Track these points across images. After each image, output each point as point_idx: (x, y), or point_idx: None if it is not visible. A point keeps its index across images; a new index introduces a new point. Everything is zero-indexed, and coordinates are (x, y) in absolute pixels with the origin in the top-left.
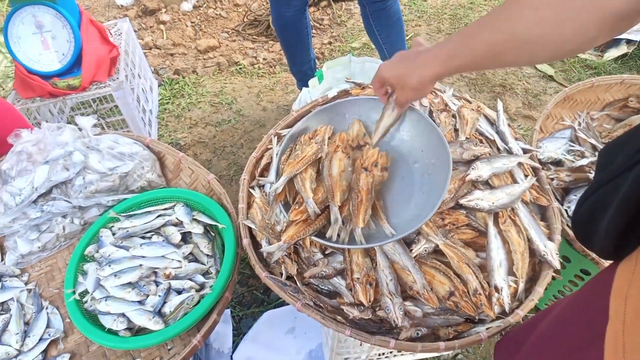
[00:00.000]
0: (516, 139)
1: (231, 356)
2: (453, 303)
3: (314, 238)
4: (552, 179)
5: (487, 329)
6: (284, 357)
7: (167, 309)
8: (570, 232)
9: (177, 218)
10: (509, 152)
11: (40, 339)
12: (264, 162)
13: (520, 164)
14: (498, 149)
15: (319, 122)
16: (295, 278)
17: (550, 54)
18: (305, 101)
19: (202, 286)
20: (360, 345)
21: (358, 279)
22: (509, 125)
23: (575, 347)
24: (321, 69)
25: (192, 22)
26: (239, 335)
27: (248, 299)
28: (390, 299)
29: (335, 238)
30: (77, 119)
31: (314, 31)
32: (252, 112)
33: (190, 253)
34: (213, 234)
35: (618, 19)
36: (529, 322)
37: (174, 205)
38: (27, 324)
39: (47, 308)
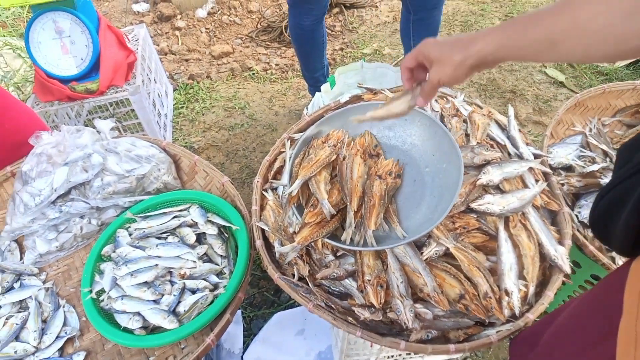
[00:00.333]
0: (527, 144)
1: (242, 356)
2: (463, 306)
3: (326, 240)
4: (563, 184)
5: (497, 332)
6: (294, 358)
7: (181, 308)
8: (581, 237)
9: (192, 219)
10: (520, 157)
11: (57, 337)
12: (276, 165)
13: (531, 169)
14: (509, 153)
15: (332, 127)
16: (307, 279)
17: (609, 50)
18: (318, 106)
19: (215, 286)
20: (371, 346)
21: (369, 280)
22: (519, 130)
23: (590, 343)
24: (333, 75)
25: (206, 29)
26: (249, 336)
27: (259, 300)
28: (401, 301)
29: (349, 241)
30: (95, 122)
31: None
32: (265, 117)
33: (205, 254)
34: (227, 235)
35: None
36: (544, 320)
37: (189, 207)
38: (44, 321)
39: (64, 306)
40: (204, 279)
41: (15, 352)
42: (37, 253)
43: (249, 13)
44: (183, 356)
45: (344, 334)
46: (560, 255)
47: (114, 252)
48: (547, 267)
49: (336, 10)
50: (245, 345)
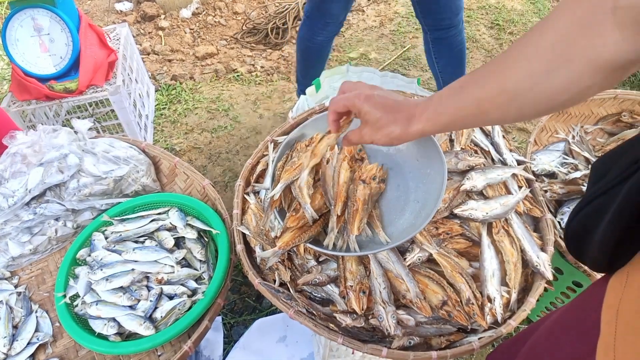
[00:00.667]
0: (511, 150)
1: None
2: (446, 312)
3: (309, 245)
4: (546, 191)
5: (479, 338)
6: None
7: (158, 314)
8: (563, 244)
9: (170, 223)
10: (504, 163)
11: (29, 343)
12: (259, 168)
13: (514, 175)
14: (493, 160)
15: (316, 130)
16: (289, 285)
17: (542, 108)
18: (303, 109)
19: (194, 292)
20: (352, 354)
21: (351, 286)
22: (503, 136)
23: None
24: (319, 78)
25: (190, 29)
26: (229, 343)
27: (240, 307)
28: (384, 307)
29: (331, 246)
30: (73, 122)
31: None
32: (249, 119)
33: (184, 258)
34: (207, 240)
35: (612, 68)
36: (520, 335)
37: (168, 210)
38: (15, 327)
39: (36, 312)
40: (182, 285)
41: None
42: (9, 256)
43: (234, 14)
44: None
45: (326, 341)
46: (543, 261)
47: (89, 255)
48: (530, 273)
49: None
50: (226, 352)
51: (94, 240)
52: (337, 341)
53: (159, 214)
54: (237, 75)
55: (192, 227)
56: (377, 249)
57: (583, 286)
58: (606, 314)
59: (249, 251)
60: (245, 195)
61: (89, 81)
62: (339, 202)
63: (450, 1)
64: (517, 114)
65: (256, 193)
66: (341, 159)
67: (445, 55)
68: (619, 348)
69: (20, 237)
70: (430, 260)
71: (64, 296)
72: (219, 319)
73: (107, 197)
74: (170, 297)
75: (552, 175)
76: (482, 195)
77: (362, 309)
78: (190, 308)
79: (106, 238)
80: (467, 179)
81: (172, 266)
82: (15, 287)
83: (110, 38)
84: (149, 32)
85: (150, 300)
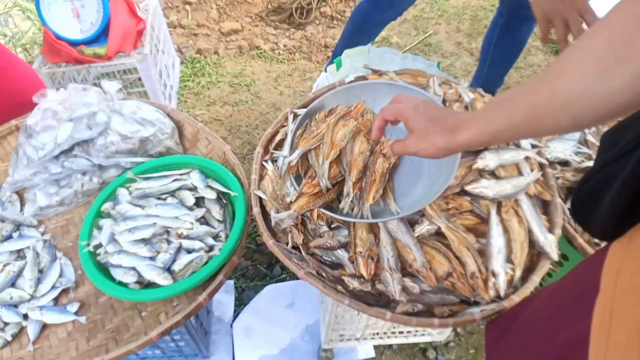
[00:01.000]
0: None
1: (231, 324)
2: (450, 283)
3: (322, 210)
4: (558, 178)
5: (481, 310)
6: (282, 330)
7: (176, 267)
8: (571, 230)
9: (191, 183)
10: (518, 146)
11: (53, 287)
12: (278, 138)
13: (527, 158)
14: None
15: (335, 102)
16: (301, 247)
17: (597, 112)
18: (323, 85)
19: (211, 248)
20: (358, 315)
21: (361, 252)
22: None
23: (565, 323)
24: (340, 57)
25: (217, 5)
26: (240, 305)
27: (251, 272)
28: (390, 274)
29: (346, 211)
30: (102, 83)
31: (334, 22)
32: (269, 96)
33: (203, 217)
34: (225, 202)
35: None
36: (520, 303)
37: (190, 172)
38: (41, 271)
39: (60, 259)
40: (200, 240)
41: (11, 297)
42: (37, 206)
43: None
44: (175, 313)
45: (332, 309)
46: (549, 242)
47: (114, 209)
48: (536, 254)
49: None
50: (236, 314)
51: (119, 195)
52: (344, 302)
53: (181, 174)
54: (260, 53)
55: (211, 188)
56: (388, 218)
57: None
58: (607, 274)
59: (265, 214)
60: (263, 162)
61: (118, 48)
62: (354, 170)
63: None
64: (572, 120)
65: (274, 161)
66: (356, 133)
67: (506, 45)
68: (617, 303)
69: (48, 189)
70: (439, 234)
71: (88, 244)
72: (231, 282)
73: (132, 156)
74: (189, 252)
75: (565, 164)
76: (493, 175)
77: (370, 274)
78: (206, 263)
79: (130, 194)
80: (481, 158)
81: (192, 223)
82: (42, 235)
83: (139, 8)
84: (177, 6)
85: (170, 253)
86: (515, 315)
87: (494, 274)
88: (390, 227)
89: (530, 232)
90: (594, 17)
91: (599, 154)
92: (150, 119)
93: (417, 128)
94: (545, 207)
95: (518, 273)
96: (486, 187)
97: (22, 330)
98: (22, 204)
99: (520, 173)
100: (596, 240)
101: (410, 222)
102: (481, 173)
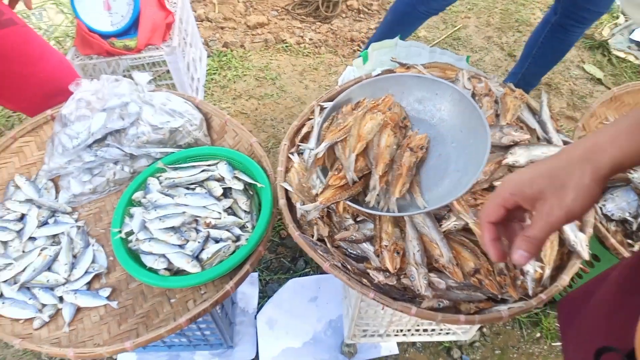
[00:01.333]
0: (557, 131)
1: (255, 316)
2: (477, 280)
3: (348, 203)
4: None
5: (508, 308)
6: (305, 323)
7: (204, 255)
8: (603, 230)
9: (219, 174)
10: (549, 142)
11: (86, 272)
12: (304, 130)
13: None
14: (538, 138)
15: (362, 95)
16: (326, 240)
17: None
18: (349, 79)
19: (238, 238)
20: (382, 314)
21: (386, 246)
22: (551, 117)
23: (634, 313)
24: (366, 50)
25: None
26: (264, 297)
27: (275, 266)
28: (416, 269)
29: (372, 204)
30: (133, 74)
31: (361, 16)
32: (295, 89)
33: (230, 207)
34: (251, 193)
35: None
36: (595, 279)
37: (218, 163)
38: (75, 257)
39: (93, 245)
40: (227, 230)
41: (48, 280)
42: (71, 193)
43: None
44: (202, 300)
45: (356, 303)
46: (580, 241)
47: (144, 197)
48: (566, 253)
49: None
50: (259, 305)
51: (149, 184)
52: (369, 296)
53: (209, 165)
54: (286, 46)
55: (239, 179)
56: (415, 212)
57: None
58: None
59: (290, 207)
60: (289, 155)
61: (147, 40)
62: (381, 163)
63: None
64: None
65: (300, 154)
66: (383, 126)
67: (554, 44)
68: None
69: (81, 177)
70: (465, 230)
71: (120, 231)
72: (255, 274)
73: (162, 146)
74: (216, 241)
75: None
76: None
77: (395, 268)
78: (233, 252)
79: (160, 183)
80: (510, 153)
81: (219, 212)
82: (76, 221)
83: (168, 1)
84: (203, 0)
85: (198, 242)
86: (590, 291)
87: (522, 272)
88: (417, 222)
89: (560, 230)
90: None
91: None
92: (180, 110)
93: (543, 187)
94: None
95: (547, 271)
96: None
97: (58, 312)
98: (57, 192)
99: None
100: (629, 241)
101: (437, 217)
102: (511, 169)
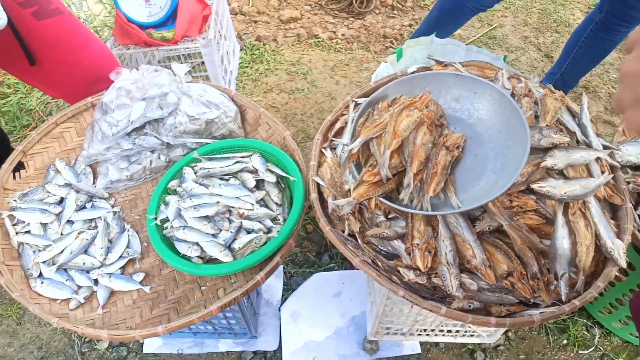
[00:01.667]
0: (597, 135)
1: (279, 308)
2: (509, 283)
3: (381, 200)
4: (629, 182)
5: (540, 313)
6: (328, 318)
7: (236, 245)
8: None
9: (253, 166)
10: (589, 146)
11: (120, 257)
12: (337, 126)
13: (598, 159)
14: (577, 141)
15: (399, 92)
16: (357, 235)
17: None
18: (383, 75)
19: (269, 230)
20: (407, 313)
21: (418, 244)
22: (591, 120)
23: None
24: (401, 47)
25: None
26: (288, 290)
27: (300, 259)
28: (447, 269)
29: (405, 202)
30: (172, 65)
31: (394, 12)
32: (325, 85)
33: (262, 199)
34: (284, 186)
35: None
36: None
37: (251, 155)
38: (110, 241)
39: (128, 230)
40: (259, 222)
41: (84, 263)
42: (108, 179)
43: None
44: (232, 290)
45: (382, 301)
46: (617, 248)
47: (180, 186)
48: (601, 259)
49: None
50: (283, 298)
51: (185, 173)
52: (398, 293)
53: (243, 157)
54: (318, 41)
55: (271, 172)
56: (449, 211)
57: None
58: None
59: (322, 201)
60: (322, 149)
61: (184, 32)
62: (416, 161)
63: None
64: None
65: (332, 149)
66: (419, 123)
67: (596, 44)
68: None
69: (119, 164)
70: (500, 232)
71: (155, 218)
72: (280, 267)
73: (197, 137)
74: (248, 232)
75: (637, 168)
76: (562, 174)
77: (426, 267)
78: (265, 244)
79: (195, 173)
80: (550, 156)
81: (252, 204)
82: (112, 207)
83: None
84: None
85: (231, 232)
86: None
87: (556, 277)
88: (450, 221)
89: (597, 237)
90: None
91: None
92: (216, 102)
93: None
94: (614, 212)
95: (582, 277)
96: (554, 187)
97: (92, 294)
98: (95, 177)
99: (590, 174)
100: None
101: (471, 218)
102: (549, 172)
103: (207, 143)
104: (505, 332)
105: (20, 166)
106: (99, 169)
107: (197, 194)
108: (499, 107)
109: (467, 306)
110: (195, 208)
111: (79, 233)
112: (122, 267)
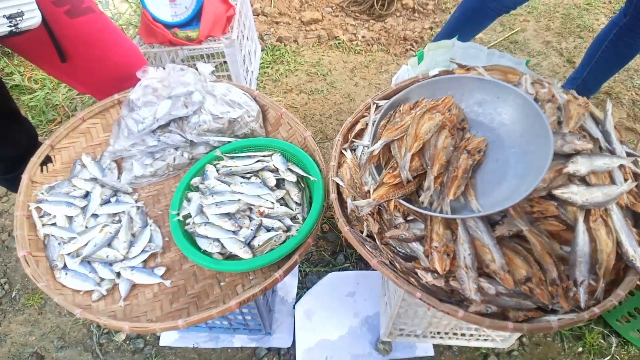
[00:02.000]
0: (621, 142)
1: (294, 305)
2: (528, 288)
3: (401, 202)
4: None
5: (558, 319)
6: (341, 317)
7: (256, 243)
8: None
9: (273, 165)
10: (612, 153)
11: (143, 251)
12: (357, 127)
13: (621, 167)
14: (600, 148)
15: (420, 95)
16: (375, 236)
17: None
18: (404, 78)
19: (288, 229)
20: (421, 315)
21: (436, 247)
22: (615, 127)
23: None
24: (422, 50)
25: None
26: (303, 288)
27: (316, 258)
28: (466, 272)
29: (425, 204)
30: (198, 65)
31: (415, 15)
32: (345, 86)
33: (282, 198)
34: (303, 186)
35: None
36: None
37: (272, 154)
38: (133, 235)
39: (151, 225)
40: (279, 220)
41: (107, 256)
42: (133, 175)
43: None
44: (250, 286)
45: (397, 302)
46: (639, 257)
47: (202, 183)
48: (622, 267)
49: None
50: (298, 296)
51: (207, 171)
52: (416, 295)
53: (264, 156)
54: (338, 43)
55: (292, 171)
56: (469, 215)
57: None
58: None
59: (341, 201)
60: (342, 150)
61: (209, 32)
62: (437, 164)
63: None
64: None
65: (352, 150)
66: (440, 127)
67: (619, 49)
68: None
69: (143, 160)
70: (519, 237)
71: (178, 214)
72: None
73: (220, 135)
74: (268, 230)
75: None
76: (584, 181)
77: (444, 270)
78: (284, 242)
79: (217, 171)
80: (572, 162)
81: (273, 202)
82: (136, 201)
83: None
84: None
85: (251, 229)
86: None
87: (575, 284)
88: (469, 225)
89: (618, 244)
90: None
91: None
92: (239, 101)
93: None
94: (636, 220)
95: (602, 285)
96: (575, 193)
97: (114, 287)
98: (120, 172)
99: (612, 181)
100: None
101: (491, 222)
102: (571, 178)
103: (230, 142)
104: (520, 338)
105: (47, 160)
106: (123, 165)
107: (219, 191)
108: (521, 112)
109: (485, 310)
110: (217, 205)
111: (103, 226)
112: (144, 261)
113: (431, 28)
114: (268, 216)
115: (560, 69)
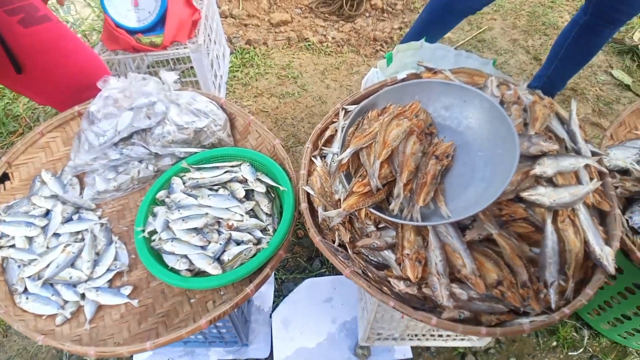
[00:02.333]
0: (586, 141)
1: (270, 315)
2: (499, 292)
3: (372, 210)
4: (617, 187)
5: (530, 321)
6: (319, 324)
7: (225, 257)
8: (629, 243)
9: (242, 175)
10: (578, 153)
11: (108, 269)
12: (327, 134)
13: (587, 166)
14: (566, 148)
15: (388, 100)
16: (347, 246)
17: None
18: (373, 81)
19: (259, 241)
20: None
21: (408, 255)
22: (580, 126)
23: None
24: (391, 52)
25: None
26: (279, 296)
27: (291, 265)
28: (438, 279)
29: (396, 212)
30: (161, 73)
31: (384, 15)
32: (316, 89)
33: (252, 209)
34: (273, 196)
35: None
36: None
37: (241, 164)
38: (97, 254)
39: (115, 242)
40: (249, 233)
41: (70, 277)
42: (95, 190)
43: None
44: (222, 302)
45: (373, 308)
46: (606, 255)
47: (168, 197)
48: (590, 266)
49: None
50: (275, 304)
51: (173, 184)
52: (389, 304)
53: (232, 166)
54: (308, 45)
55: (261, 181)
56: (439, 222)
57: None
58: None
59: (312, 210)
60: (312, 158)
61: (173, 37)
62: (406, 171)
63: None
64: None
65: (322, 157)
66: (409, 133)
67: (581, 46)
68: None
69: (106, 174)
70: (489, 240)
71: (143, 230)
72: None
73: (186, 146)
74: (238, 243)
75: (625, 172)
76: (551, 182)
77: (417, 277)
78: (254, 255)
79: (184, 183)
80: (539, 164)
81: (242, 215)
82: (99, 218)
83: None
84: None
85: (220, 244)
86: None
87: (546, 285)
88: (440, 231)
89: (586, 243)
90: None
91: None
92: (205, 110)
93: None
94: (602, 218)
95: (571, 285)
96: (543, 195)
97: (79, 309)
98: (82, 188)
99: (579, 181)
100: None
101: (461, 227)
102: (538, 180)
103: (196, 152)
104: None
105: (4, 177)
106: (86, 180)
107: (186, 205)
108: (488, 116)
109: (458, 316)
110: (183, 220)
111: (65, 246)
112: (110, 281)
113: (400, 28)
114: (237, 229)
115: (527, 67)
